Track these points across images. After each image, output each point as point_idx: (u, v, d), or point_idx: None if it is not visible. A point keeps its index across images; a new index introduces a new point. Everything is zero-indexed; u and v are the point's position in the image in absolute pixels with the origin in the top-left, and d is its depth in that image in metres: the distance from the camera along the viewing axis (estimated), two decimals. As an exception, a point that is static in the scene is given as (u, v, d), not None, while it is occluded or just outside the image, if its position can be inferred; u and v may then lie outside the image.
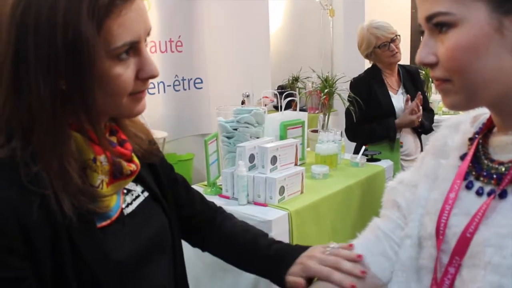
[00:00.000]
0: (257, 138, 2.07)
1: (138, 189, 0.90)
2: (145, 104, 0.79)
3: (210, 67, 4.25)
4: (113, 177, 0.79)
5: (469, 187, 0.76)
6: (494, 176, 0.72)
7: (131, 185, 0.88)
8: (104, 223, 0.78)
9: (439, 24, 0.68)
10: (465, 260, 0.71)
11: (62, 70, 0.67)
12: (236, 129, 2.06)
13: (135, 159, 0.84)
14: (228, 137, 2.07)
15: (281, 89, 4.42)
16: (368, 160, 2.47)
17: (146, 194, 0.91)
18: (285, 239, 1.78)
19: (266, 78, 4.29)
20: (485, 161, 0.76)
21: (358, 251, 0.91)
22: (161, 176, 0.98)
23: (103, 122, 0.80)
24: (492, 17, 0.64)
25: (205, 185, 2.09)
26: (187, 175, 4.10)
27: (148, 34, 0.75)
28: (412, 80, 2.84)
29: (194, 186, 2.17)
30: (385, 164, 2.49)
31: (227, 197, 1.94)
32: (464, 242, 0.71)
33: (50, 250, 0.69)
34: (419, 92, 2.67)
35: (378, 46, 2.67)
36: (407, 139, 2.76)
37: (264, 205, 1.84)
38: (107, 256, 0.75)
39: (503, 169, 0.72)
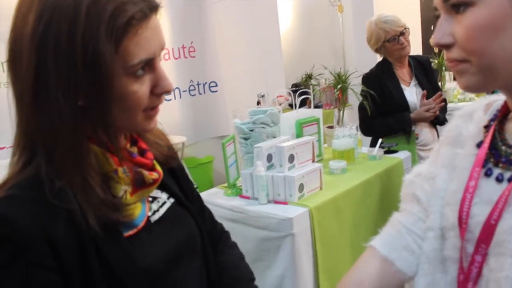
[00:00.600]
0: (274, 137, 2.11)
1: (164, 196, 0.91)
2: (157, 120, 0.82)
3: (224, 70, 4.31)
4: (136, 187, 0.81)
5: (488, 174, 0.76)
6: None
7: (156, 193, 0.89)
8: (130, 232, 0.80)
9: (456, 5, 0.67)
10: (491, 248, 0.73)
11: (81, 88, 0.69)
12: (252, 130, 2.10)
13: (158, 167, 0.86)
14: (245, 139, 2.11)
15: (295, 87, 4.46)
16: (385, 152, 2.49)
17: (172, 200, 0.93)
18: (307, 236, 1.82)
19: (280, 77, 4.33)
20: (503, 147, 0.76)
21: (381, 248, 0.92)
22: (181, 180, 0.99)
23: (122, 134, 0.82)
24: None
25: (226, 187, 2.13)
26: (207, 177, 4.16)
27: (162, 49, 0.77)
28: (424, 71, 2.84)
29: (214, 189, 2.23)
30: (402, 155, 2.50)
31: (248, 198, 1.97)
32: (489, 229, 0.72)
33: (79, 263, 0.71)
34: (440, 92, 2.66)
35: (388, 40, 2.68)
36: (423, 130, 2.76)
37: (285, 203, 1.87)
38: (135, 264, 0.77)
39: None
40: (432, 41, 0.73)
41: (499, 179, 0.75)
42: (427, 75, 2.84)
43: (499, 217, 0.71)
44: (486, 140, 0.80)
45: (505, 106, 0.80)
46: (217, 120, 4.39)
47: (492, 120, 0.82)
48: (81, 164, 0.72)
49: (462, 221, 0.77)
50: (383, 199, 2.21)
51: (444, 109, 2.82)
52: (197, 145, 4.28)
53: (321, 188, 2.01)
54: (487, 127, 0.81)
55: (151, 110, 0.79)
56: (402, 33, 2.66)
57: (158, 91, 0.77)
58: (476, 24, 0.65)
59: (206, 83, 4.35)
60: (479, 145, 0.81)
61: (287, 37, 5.27)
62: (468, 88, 0.73)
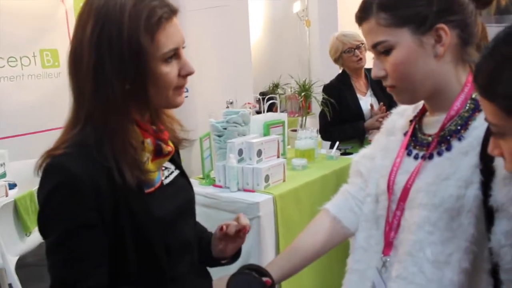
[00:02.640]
0: (244, 135, 2.39)
1: (172, 167, 1.14)
2: (183, 98, 1.04)
3: (195, 77, 4.42)
4: (156, 155, 1.03)
5: (409, 154, 1.07)
6: (425, 144, 1.04)
7: (167, 164, 1.11)
8: (150, 190, 1.02)
9: (382, 50, 0.98)
10: (406, 204, 1.02)
11: (128, 74, 0.92)
12: (225, 129, 2.38)
13: (170, 144, 1.08)
14: (219, 136, 2.39)
15: (263, 95, 4.72)
16: (341, 154, 2.80)
17: (177, 171, 1.15)
18: (271, 219, 2.11)
19: (248, 85, 4.50)
20: (419, 135, 1.07)
21: (332, 209, 1.22)
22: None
23: (147, 115, 1.06)
24: (415, 38, 0.96)
25: (201, 178, 2.40)
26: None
27: (183, 42, 1.00)
28: (379, 82, 3.14)
29: (190, 179, 2.47)
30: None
31: (220, 186, 2.25)
32: (405, 192, 1.02)
33: (112, 212, 0.94)
34: (382, 103, 2.97)
35: (344, 51, 3.00)
36: (375, 137, 3.05)
37: (252, 191, 2.16)
38: (153, 214, 0.99)
39: (430, 139, 1.03)
40: (372, 75, 1.05)
41: (415, 157, 1.05)
42: (382, 87, 3.13)
43: (412, 182, 1.02)
44: (409, 130, 1.11)
45: (423, 107, 1.11)
46: (187, 125, 4.51)
47: (415, 116, 1.12)
48: (126, 132, 0.96)
49: (390, 187, 1.07)
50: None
51: None
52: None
53: (284, 180, 2.30)
54: (411, 121, 1.12)
55: (179, 89, 1.01)
56: (358, 47, 2.98)
57: (184, 73, 1.00)
58: (397, 61, 0.98)
59: (177, 88, 4.51)
60: (405, 134, 1.12)
61: (257, 48, 5.48)
62: (403, 103, 1.08)
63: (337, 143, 2.84)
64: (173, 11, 0.98)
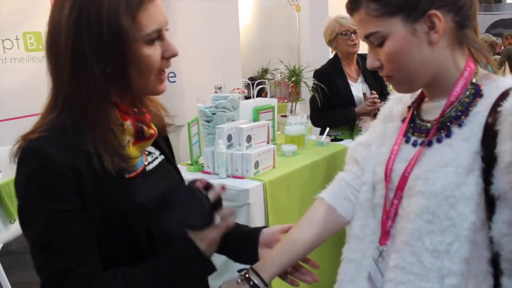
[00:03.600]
0: (233, 121, 2.34)
1: (157, 152, 1.11)
2: (166, 85, 1.00)
3: (183, 61, 4.44)
4: (137, 138, 1.00)
5: (407, 141, 1.04)
6: (424, 131, 1.00)
7: (151, 149, 1.09)
8: (131, 175, 0.99)
9: (375, 41, 0.95)
10: (404, 192, 0.99)
11: (108, 55, 0.88)
12: (214, 114, 2.33)
13: (153, 127, 1.06)
14: (208, 121, 2.34)
15: (252, 81, 4.68)
16: (332, 140, 2.78)
17: (162, 157, 1.13)
18: (261, 206, 2.08)
19: (237, 70, 4.50)
20: (418, 121, 1.04)
21: (327, 198, 1.18)
22: (170, 147, 1.21)
23: (128, 97, 1.01)
24: (407, 27, 0.92)
25: (189, 164, 2.35)
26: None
27: (166, 23, 0.95)
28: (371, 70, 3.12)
29: (178, 165, 2.43)
30: (347, 143, 2.79)
31: (209, 173, 2.21)
32: (403, 180, 0.99)
33: (94, 192, 0.91)
34: (373, 91, 2.93)
35: (341, 33, 2.94)
36: (366, 124, 3.04)
37: (242, 177, 2.12)
38: (134, 199, 0.96)
39: (429, 125, 1.00)
40: (367, 65, 1.01)
41: (414, 144, 1.02)
42: (373, 73, 3.12)
43: (411, 170, 0.98)
44: (407, 116, 1.07)
45: (422, 92, 1.08)
46: (174, 110, 4.44)
47: (413, 102, 1.09)
48: (105, 118, 0.93)
49: (387, 175, 1.04)
50: (329, 179, 2.45)
51: None
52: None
53: (274, 167, 2.27)
54: (409, 107, 1.09)
55: (161, 73, 0.97)
56: (354, 31, 2.92)
57: (167, 55, 0.96)
58: (391, 51, 0.94)
59: (165, 73, 4.47)
60: (403, 120, 1.08)
61: (246, 32, 5.47)
62: (400, 93, 1.05)
63: (327, 129, 2.81)
64: None
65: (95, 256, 0.92)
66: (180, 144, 2.99)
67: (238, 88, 4.31)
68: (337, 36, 2.98)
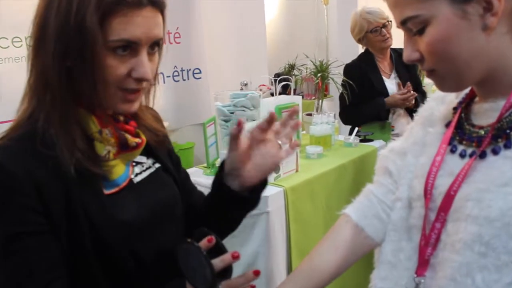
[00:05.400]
0: (253, 120, 2.16)
1: (149, 161, 0.98)
2: (135, 106, 0.87)
3: (208, 57, 4.34)
4: (121, 149, 0.88)
5: (453, 150, 0.85)
6: (475, 139, 0.81)
7: (141, 158, 0.96)
8: (112, 190, 0.87)
9: (414, 28, 0.76)
10: (449, 215, 0.80)
11: (70, 49, 0.78)
12: (233, 113, 2.15)
13: (142, 136, 0.93)
14: (226, 121, 2.16)
15: (278, 77, 4.52)
16: (361, 141, 2.57)
17: (157, 165, 0.99)
18: (282, 214, 1.90)
19: (263, 66, 4.37)
20: (467, 127, 0.85)
21: (353, 215, 1.01)
22: (173, 161, 1.07)
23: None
24: (455, 8, 0.73)
25: (205, 167, 2.19)
26: (188, 162, 4.20)
27: (157, 43, 0.84)
28: (405, 64, 2.90)
29: (194, 168, 2.29)
30: (377, 144, 2.59)
31: (226, 177, 2.03)
32: (448, 199, 0.80)
33: (65, 210, 0.79)
34: (408, 83, 2.74)
35: (370, 31, 2.75)
36: (400, 121, 2.83)
37: (261, 183, 1.93)
38: (114, 217, 0.84)
39: (483, 132, 0.81)
40: (404, 58, 0.82)
41: (462, 155, 0.83)
42: (407, 68, 2.91)
43: (458, 188, 0.79)
44: (453, 120, 0.88)
45: (472, 91, 0.88)
46: (199, 106, 4.40)
47: (460, 103, 0.90)
48: (67, 117, 0.82)
49: (428, 192, 0.85)
50: (357, 184, 2.29)
51: (424, 99, 2.90)
52: (179, 131, 4.31)
53: (297, 171, 2.08)
54: (455, 108, 0.90)
55: (130, 93, 0.84)
56: (384, 25, 2.73)
57: (134, 75, 0.82)
58: (433, 40, 0.75)
59: (190, 69, 4.36)
60: (447, 125, 0.89)
61: (272, 27, 5.31)
62: (445, 91, 0.85)
63: (356, 128, 2.60)
64: (150, 1, 0.81)
65: (61, 283, 0.80)
66: (201, 148, 2.86)
67: (264, 85, 4.16)
68: (367, 34, 2.79)
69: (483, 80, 0.79)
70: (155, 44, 0.84)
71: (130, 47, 0.80)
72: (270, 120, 0.91)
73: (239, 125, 0.89)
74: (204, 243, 0.81)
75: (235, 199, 0.97)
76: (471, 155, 0.81)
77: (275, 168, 0.96)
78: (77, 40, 0.77)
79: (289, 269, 1.93)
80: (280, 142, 0.95)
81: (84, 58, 0.78)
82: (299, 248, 1.94)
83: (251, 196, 0.98)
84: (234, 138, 0.90)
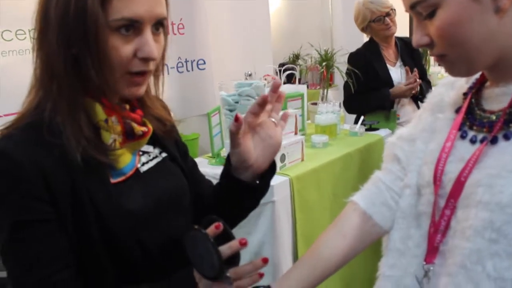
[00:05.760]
0: (258, 110, 2.15)
1: (156, 151, 0.97)
2: (142, 90, 0.86)
3: (212, 48, 4.31)
4: (127, 138, 0.87)
5: (463, 136, 0.83)
6: (486, 124, 0.80)
7: (147, 148, 0.95)
8: (119, 179, 0.86)
9: (424, 12, 0.74)
10: (459, 201, 0.79)
11: (73, 36, 0.77)
12: (237, 102, 2.14)
13: (148, 125, 0.91)
14: (230, 110, 2.15)
15: (283, 67, 4.50)
16: (366, 130, 2.55)
17: (164, 154, 0.98)
18: (287, 204, 1.88)
19: (268, 56, 4.34)
20: (478, 112, 0.83)
21: (361, 203, 0.99)
22: (181, 150, 1.06)
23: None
24: None
25: (210, 157, 2.18)
26: (193, 153, 4.20)
27: (159, 22, 0.82)
28: (410, 53, 2.89)
29: (199, 158, 2.28)
30: (383, 132, 2.57)
31: (231, 167, 2.02)
32: (458, 185, 0.79)
33: (71, 199, 0.78)
34: (415, 69, 2.72)
35: (373, 20, 2.73)
36: (406, 109, 2.81)
37: (266, 172, 1.92)
38: (120, 206, 0.83)
39: (494, 117, 0.79)
40: (413, 43, 0.80)
41: (472, 140, 0.81)
42: (413, 57, 2.88)
43: (469, 174, 0.77)
44: (463, 105, 0.86)
45: (483, 75, 0.86)
46: (204, 97, 4.38)
47: (471, 88, 0.88)
48: (74, 105, 0.80)
49: (437, 178, 0.83)
50: (363, 173, 2.28)
51: (429, 89, 2.88)
52: (183, 122, 4.29)
53: (302, 160, 2.07)
54: (465, 94, 0.88)
55: (136, 76, 0.83)
56: (388, 14, 2.70)
57: (140, 55, 0.80)
58: (444, 23, 0.73)
59: (194, 60, 4.33)
60: (457, 110, 0.88)
61: (276, 17, 5.27)
62: (456, 76, 0.83)
63: (362, 117, 2.59)
64: None
65: (69, 272, 0.80)
66: (206, 139, 2.84)
67: (268, 75, 4.14)
68: (370, 24, 2.76)
69: (494, 64, 0.77)
70: (159, 24, 0.82)
71: (133, 26, 0.78)
72: (262, 103, 0.89)
73: (237, 120, 0.87)
74: (211, 229, 0.80)
75: (246, 189, 0.96)
76: (482, 141, 0.79)
77: (279, 147, 0.95)
78: (80, 24, 0.76)
79: (295, 258, 1.93)
80: (273, 120, 0.93)
81: (88, 42, 0.76)
82: (305, 237, 1.93)
83: (261, 183, 0.98)
84: (234, 134, 0.89)
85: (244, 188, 0.96)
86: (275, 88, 0.90)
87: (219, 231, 0.81)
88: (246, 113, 0.90)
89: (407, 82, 2.68)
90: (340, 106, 2.60)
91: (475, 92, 0.86)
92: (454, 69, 0.80)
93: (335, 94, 3.77)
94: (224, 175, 0.99)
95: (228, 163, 0.98)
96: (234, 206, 1.02)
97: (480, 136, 0.80)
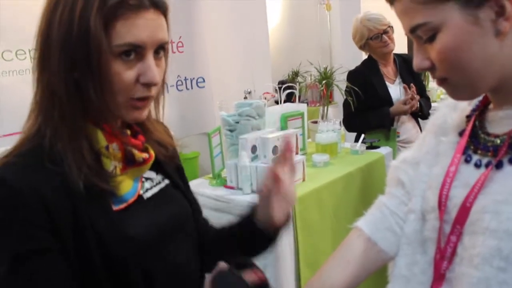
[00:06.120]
0: (259, 130, 2.14)
1: (158, 177, 0.96)
2: (144, 114, 0.85)
3: (212, 66, 4.32)
4: (127, 164, 0.86)
5: (468, 160, 0.82)
6: (491, 148, 0.78)
7: (150, 174, 0.94)
8: (121, 206, 0.85)
9: (424, 36, 0.74)
10: (465, 227, 0.77)
11: (75, 59, 0.76)
12: (238, 122, 2.13)
13: (150, 151, 0.91)
14: (231, 130, 2.15)
15: (282, 84, 4.50)
16: (367, 148, 2.54)
17: (167, 181, 0.97)
18: (289, 225, 1.86)
19: (267, 74, 4.34)
20: (482, 135, 0.82)
21: (365, 228, 0.98)
22: (182, 176, 1.05)
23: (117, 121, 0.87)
24: (466, 14, 0.70)
25: (210, 178, 2.17)
26: (192, 172, 4.18)
27: (162, 47, 0.82)
28: (409, 69, 2.88)
29: (200, 179, 2.27)
30: (384, 150, 2.55)
31: (232, 188, 2.01)
32: (464, 211, 0.77)
33: (73, 227, 0.77)
34: (412, 84, 2.71)
35: (371, 38, 2.72)
36: (406, 127, 2.80)
37: (268, 193, 1.91)
38: (122, 233, 0.82)
39: (499, 141, 0.78)
40: (414, 67, 0.79)
41: (477, 165, 0.80)
42: (412, 73, 2.88)
43: (474, 199, 0.76)
44: (467, 128, 0.85)
45: (486, 98, 0.85)
46: (203, 116, 4.37)
47: (474, 110, 0.87)
48: (76, 132, 0.79)
49: (442, 203, 0.82)
50: (365, 192, 2.27)
51: (428, 105, 2.88)
52: (183, 141, 4.26)
53: (303, 180, 2.05)
54: (469, 116, 0.87)
55: (138, 100, 0.82)
56: (385, 31, 2.70)
57: (142, 80, 0.80)
58: (444, 48, 0.73)
59: (193, 78, 4.33)
60: (461, 133, 0.86)
61: (275, 34, 5.29)
62: (458, 100, 0.83)
63: (362, 135, 2.58)
64: (153, 3, 0.79)
65: None
66: (206, 158, 2.83)
67: (268, 93, 4.14)
68: (368, 41, 2.76)
69: (497, 87, 0.77)
70: (161, 49, 0.82)
71: (136, 52, 0.78)
72: (286, 153, 0.94)
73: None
74: (252, 278, 0.80)
75: (267, 240, 0.99)
76: (487, 165, 0.78)
77: (294, 202, 0.97)
78: (82, 49, 0.75)
79: (298, 280, 1.90)
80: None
81: (91, 67, 0.76)
82: (307, 259, 1.91)
83: (277, 234, 0.99)
84: (266, 195, 0.93)
85: (265, 239, 0.98)
86: (287, 152, 0.95)
87: (259, 283, 0.80)
88: (269, 173, 0.93)
89: (404, 99, 2.66)
90: (340, 124, 2.60)
91: (479, 115, 0.85)
92: (456, 93, 0.79)
93: (335, 112, 3.77)
94: (244, 225, 1.01)
95: (252, 213, 1.00)
96: (244, 250, 1.03)
97: (485, 160, 0.79)
